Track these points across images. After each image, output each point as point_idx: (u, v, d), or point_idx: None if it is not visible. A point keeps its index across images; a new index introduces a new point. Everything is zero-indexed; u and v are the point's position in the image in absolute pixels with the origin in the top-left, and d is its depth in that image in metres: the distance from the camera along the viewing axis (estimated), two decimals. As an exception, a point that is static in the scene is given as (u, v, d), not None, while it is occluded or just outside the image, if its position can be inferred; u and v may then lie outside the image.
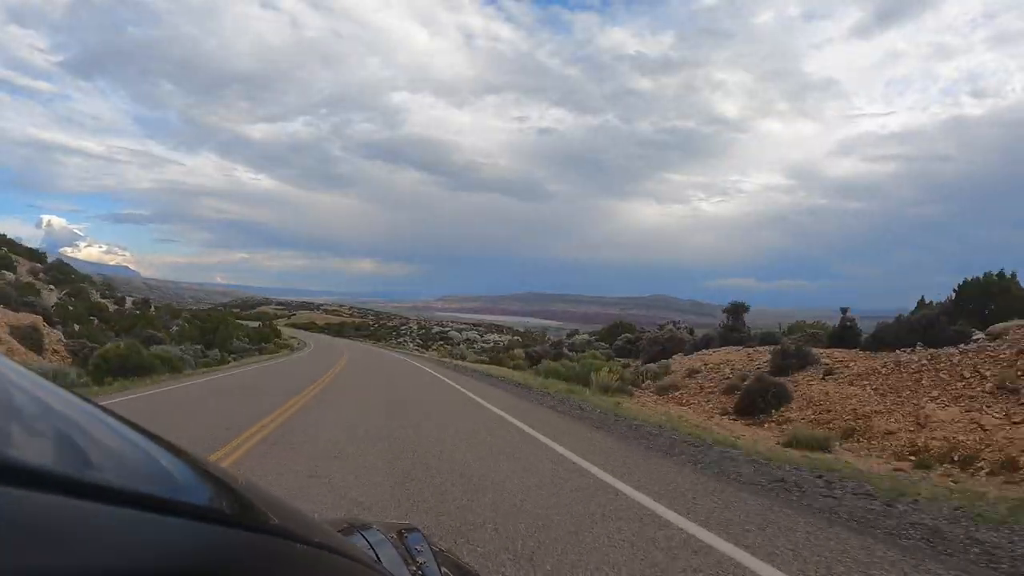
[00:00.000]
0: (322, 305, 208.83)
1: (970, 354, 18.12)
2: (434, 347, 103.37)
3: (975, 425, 14.25)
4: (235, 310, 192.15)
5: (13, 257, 63.99)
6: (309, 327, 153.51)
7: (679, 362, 29.73)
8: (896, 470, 12.18)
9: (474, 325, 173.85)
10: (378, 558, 1.39)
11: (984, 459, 12.55)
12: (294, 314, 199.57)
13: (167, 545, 0.71)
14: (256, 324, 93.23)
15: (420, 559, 1.59)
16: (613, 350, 45.28)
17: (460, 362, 49.99)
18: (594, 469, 9.93)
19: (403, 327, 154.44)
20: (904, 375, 18.39)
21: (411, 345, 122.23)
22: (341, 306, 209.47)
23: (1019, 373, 15.88)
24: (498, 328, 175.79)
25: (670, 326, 41.60)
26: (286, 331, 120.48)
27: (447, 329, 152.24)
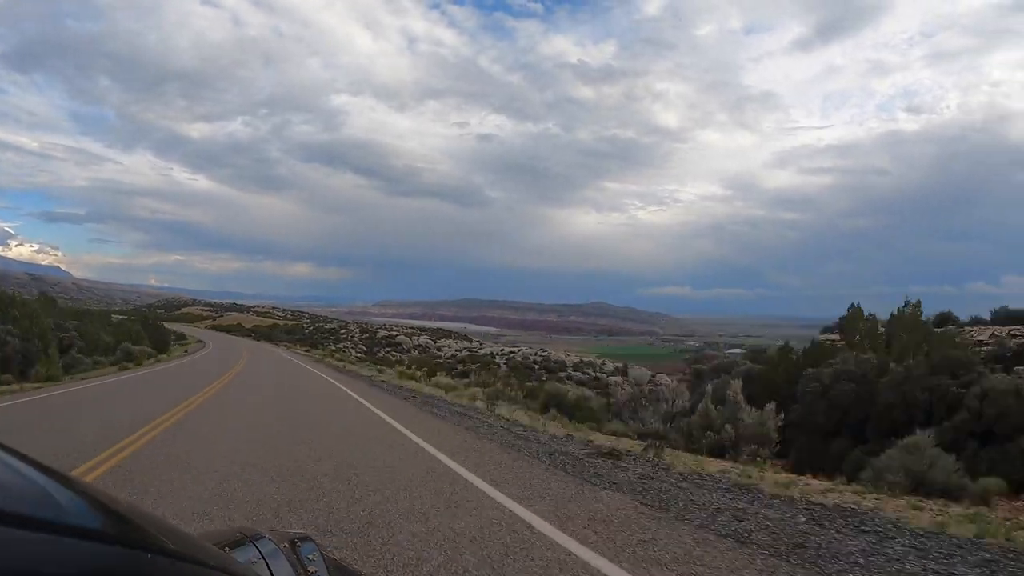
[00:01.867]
0: (253, 307, 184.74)
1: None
2: (397, 365, 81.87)
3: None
4: (159, 311, 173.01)
5: None
6: (232, 330, 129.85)
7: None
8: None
9: (421, 330, 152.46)
10: (270, 570, 1.37)
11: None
12: (221, 316, 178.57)
13: (52, 565, 0.70)
14: (178, 326, 71.57)
15: (312, 568, 1.55)
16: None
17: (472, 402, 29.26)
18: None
19: (342, 331, 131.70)
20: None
21: (353, 353, 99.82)
22: (274, 308, 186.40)
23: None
24: (448, 333, 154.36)
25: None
26: (202, 334, 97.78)
27: (395, 334, 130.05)
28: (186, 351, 54.68)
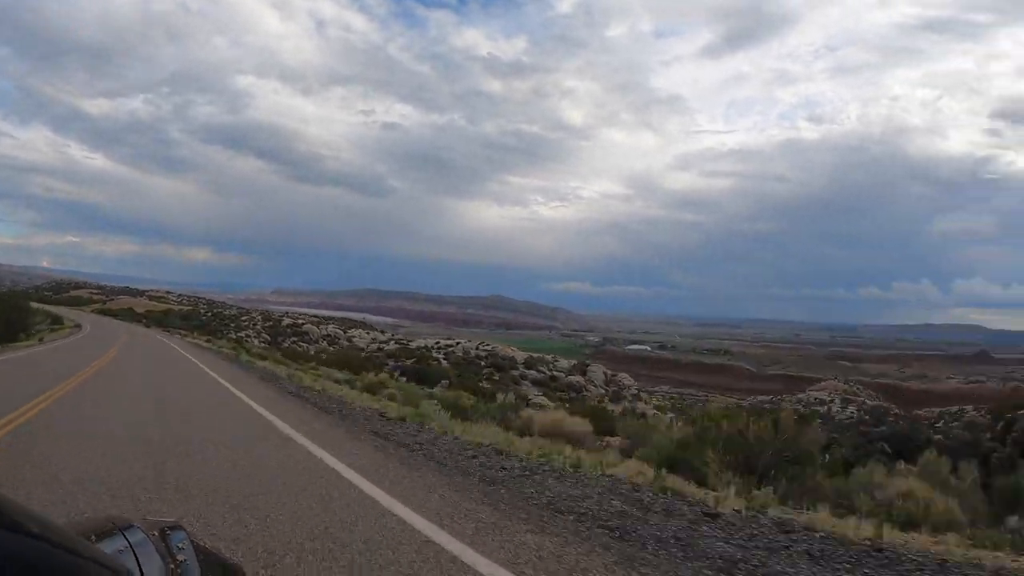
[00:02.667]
0: (147, 291, 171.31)
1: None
2: (312, 361, 73.42)
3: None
4: (47, 293, 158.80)
5: None
6: (122, 315, 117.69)
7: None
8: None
9: (326, 319, 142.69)
10: (137, 559, 1.35)
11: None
12: (112, 299, 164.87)
13: None
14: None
15: (181, 557, 1.53)
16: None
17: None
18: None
19: (243, 318, 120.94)
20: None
21: (256, 342, 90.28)
22: (169, 293, 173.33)
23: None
24: (355, 323, 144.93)
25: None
26: (86, 318, 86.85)
27: (300, 323, 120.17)
28: (41, 340, 43.11)
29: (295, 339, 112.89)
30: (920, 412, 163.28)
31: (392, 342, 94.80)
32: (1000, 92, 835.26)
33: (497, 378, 58.12)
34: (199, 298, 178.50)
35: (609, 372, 79.28)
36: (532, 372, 66.69)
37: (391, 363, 53.56)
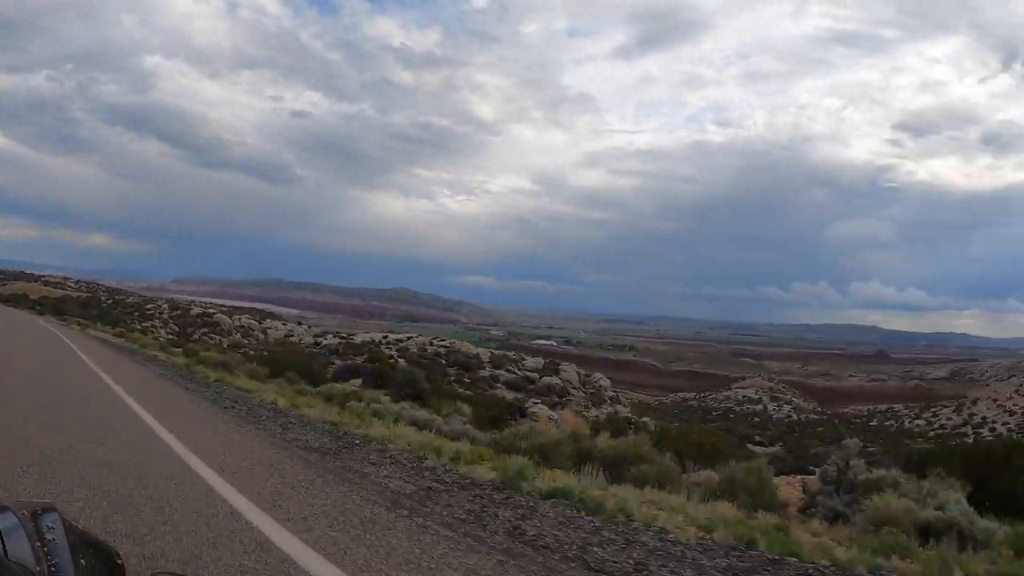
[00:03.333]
0: (43, 276, 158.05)
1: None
2: (245, 363, 66.96)
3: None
4: None
5: None
6: (13, 300, 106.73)
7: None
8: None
9: (236, 309, 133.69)
10: (3, 544, 1.34)
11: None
12: (4, 284, 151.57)
13: None
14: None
15: (50, 537, 1.50)
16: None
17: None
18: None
19: (148, 307, 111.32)
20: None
21: (163, 333, 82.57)
22: (67, 279, 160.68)
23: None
24: (269, 314, 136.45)
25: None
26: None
27: (211, 312, 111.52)
28: None
29: (206, 330, 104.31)
30: (847, 411, 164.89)
31: (330, 335, 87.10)
32: (903, 105, 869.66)
33: (468, 380, 52.04)
34: (98, 285, 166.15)
35: (583, 372, 73.54)
36: (502, 372, 60.46)
37: (337, 362, 46.45)
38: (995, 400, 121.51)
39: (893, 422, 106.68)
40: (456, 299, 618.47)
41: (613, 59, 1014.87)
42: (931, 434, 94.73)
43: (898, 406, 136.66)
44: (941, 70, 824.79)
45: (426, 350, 67.45)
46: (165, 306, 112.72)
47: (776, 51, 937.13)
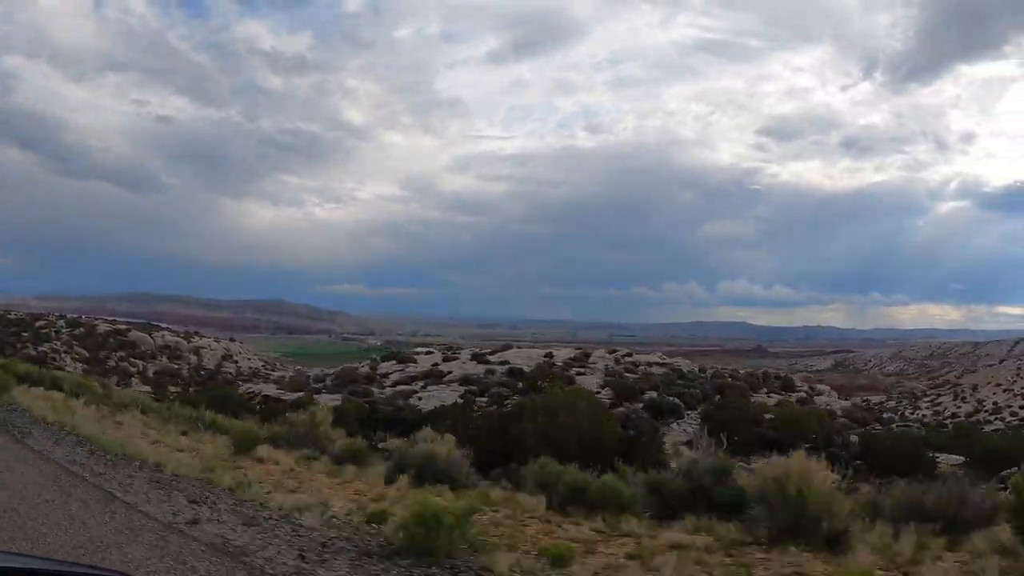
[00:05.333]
0: None
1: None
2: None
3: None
4: None
5: None
6: None
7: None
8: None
9: (154, 326, 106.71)
10: None
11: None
12: None
13: None
14: None
15: None
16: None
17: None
18: None
19: (40, 325, 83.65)
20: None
21: (69, 360, 59.79)
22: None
23: None
24: (198, 332, 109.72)
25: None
26: None
27: (124, 330, 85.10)
28: None
29: (122, 354, 78.33)
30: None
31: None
32: (769, 110, 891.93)
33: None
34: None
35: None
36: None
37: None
38: (999, 385, 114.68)
39: (893, 415, 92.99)
40: (330, 309, 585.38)
41: (486, 64, 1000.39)
42: (949, 424, 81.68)
43: (877, 397, 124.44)
44: (805, 78, 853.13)
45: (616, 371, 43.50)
46: (62, 323, 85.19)
47: (644, 58, 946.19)
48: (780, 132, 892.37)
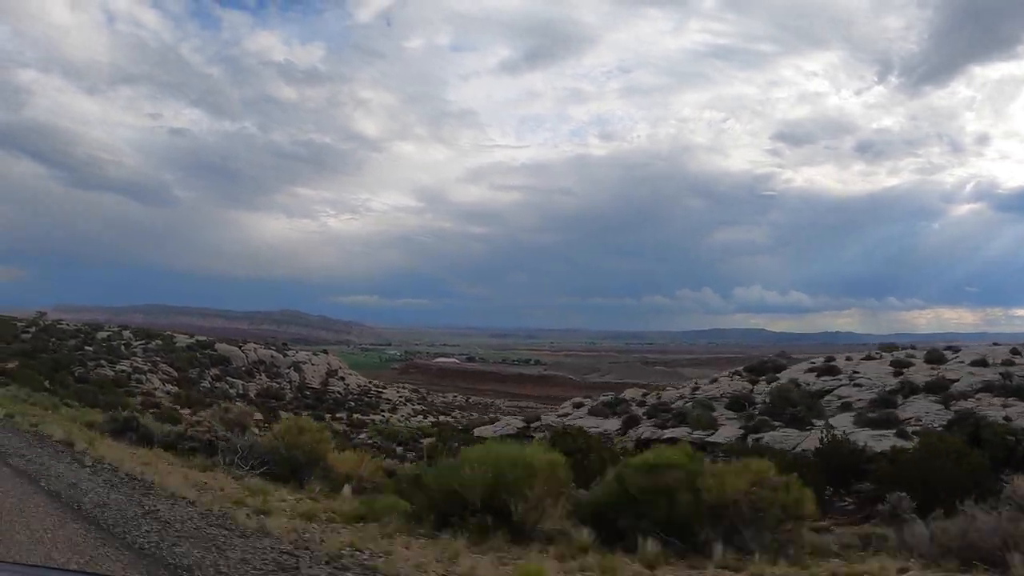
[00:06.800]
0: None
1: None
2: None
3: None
4: None
5: None
6: None
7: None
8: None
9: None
10: None
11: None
12: None
13: None
14: None
15: None
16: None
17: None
18: None
19: (106, 338, 66.50)
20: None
21: (157, 382, 41.60)
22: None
23: None
24: (285, 345, 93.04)
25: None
26: None
27: (209, 341, 68.56)
28: None
29: (215, 372, 61.60)
30: None
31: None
32: (782, 116, 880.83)
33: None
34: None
35: None
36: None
37: None
38: None
39: None
40: (346, 320, 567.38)
41: (498, 74, 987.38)
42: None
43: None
44: (818, 83, 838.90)
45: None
46: (128, 334, 67.95)
47: (655, 66, 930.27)
48: (793, 137, 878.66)
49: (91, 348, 60.25)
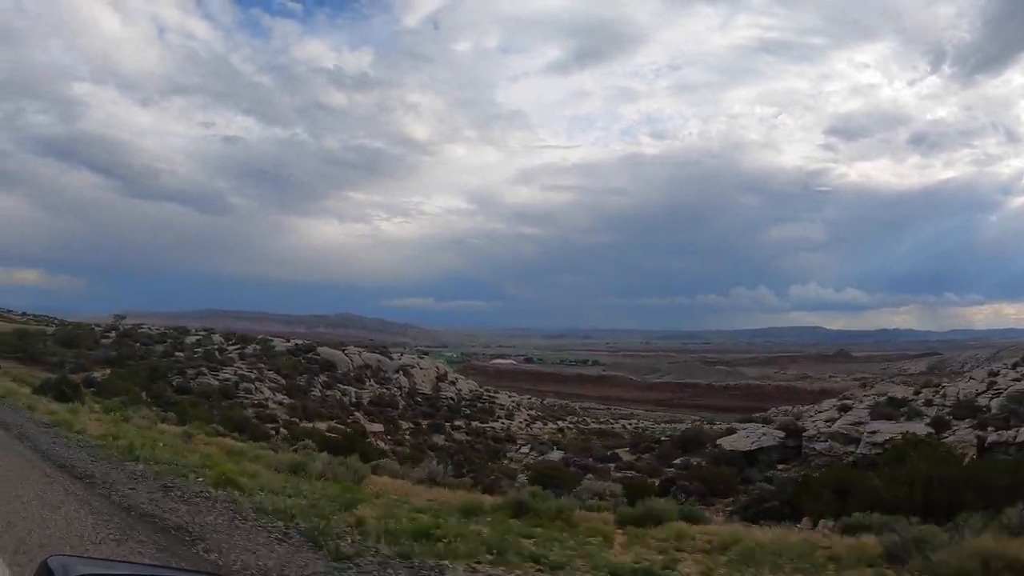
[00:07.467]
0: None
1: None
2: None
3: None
4: None
5: None
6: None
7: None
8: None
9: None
10: None
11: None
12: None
13: None
14: None
15: None
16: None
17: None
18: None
19: (197, 343, 60.17)
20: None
21: (267, 391, 32.84)
22: (9, 312, 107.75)
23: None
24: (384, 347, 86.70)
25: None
26: None
27: (310, 345, 61.81)
28: None
29: (324, 379, 54.70)
30: None
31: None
32: (834, 109, 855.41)
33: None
34: (51, 319, 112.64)
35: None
36: None
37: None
38: None
39: None
40: (402, 322, 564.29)
41: (547, 74, 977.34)
42: None
43: None
44: (870, 74, 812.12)
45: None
46: (218, 338, 61.49)
47: (705, 63, 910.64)
48: (846, 131, 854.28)
49: (182, 354, 53.80)
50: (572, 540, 8.80)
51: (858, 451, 30.17)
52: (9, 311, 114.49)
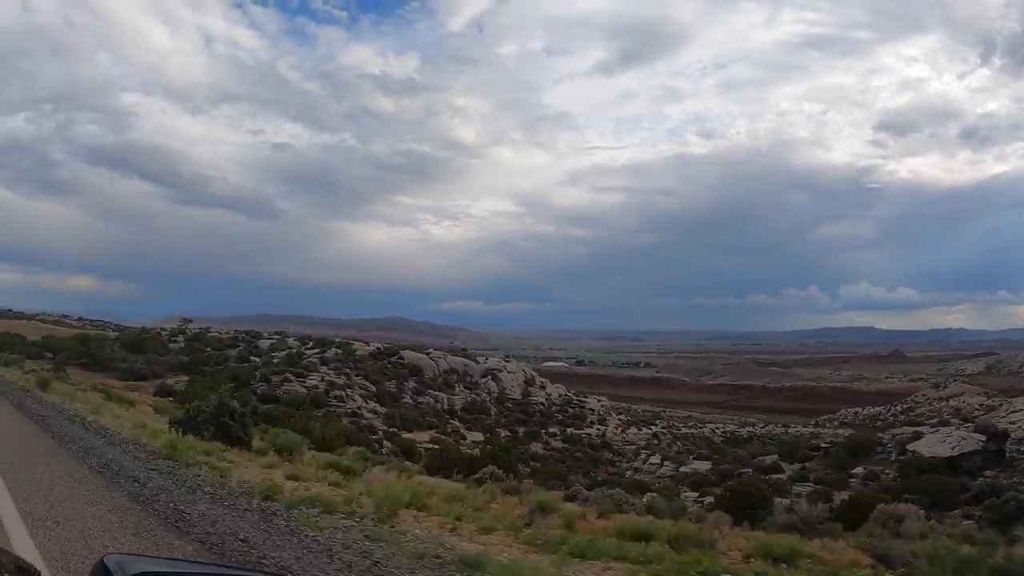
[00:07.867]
0: (38, 315, 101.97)
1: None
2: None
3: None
4: None
5: None
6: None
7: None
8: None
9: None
10: None
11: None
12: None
13: None
14: None
15: None
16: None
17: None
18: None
19: (273, 347, 56.44)
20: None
21: (360, 400, 27.65)
22: (65, 317, 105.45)
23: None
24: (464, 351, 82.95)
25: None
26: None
27: (392, 350, 57.49)
28: None
29: (413, 384, 50.58)
30: None
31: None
32: (884, 105, 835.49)
33: None
34: (108, 323, 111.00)
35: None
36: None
37: None
38: None
39: None
40: (451, 325, 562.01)
41: (593, 76, 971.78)
42: None
43: None
44: (919, 68, 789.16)
45: None
46: (293, 341, 57.79)
47: (751, 60, 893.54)
48: (896, 127, 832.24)
49: (259, 359, 50.03)
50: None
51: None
52: (65, 316, 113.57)
